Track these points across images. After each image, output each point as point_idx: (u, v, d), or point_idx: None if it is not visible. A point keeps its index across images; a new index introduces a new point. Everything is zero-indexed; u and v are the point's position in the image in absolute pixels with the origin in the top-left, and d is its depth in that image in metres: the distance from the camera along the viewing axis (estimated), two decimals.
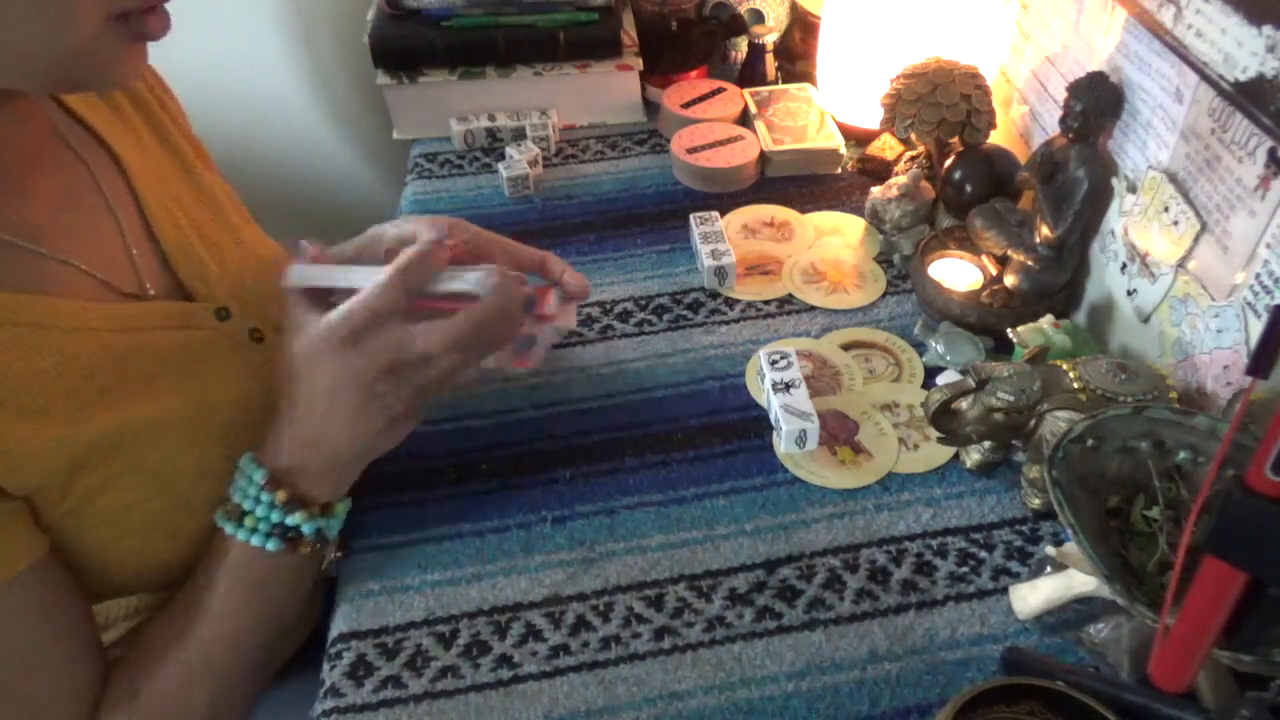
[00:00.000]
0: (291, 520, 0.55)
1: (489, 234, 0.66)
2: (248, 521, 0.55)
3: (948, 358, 0.72)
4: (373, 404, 0.54)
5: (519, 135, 1.01)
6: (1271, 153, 0.54)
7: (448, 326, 0.53)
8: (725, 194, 0.94)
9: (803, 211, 0.91)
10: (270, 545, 0.55)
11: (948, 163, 0.84)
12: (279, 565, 0.57)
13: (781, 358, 0.71)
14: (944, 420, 0.62)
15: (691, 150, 0.95)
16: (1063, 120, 0.70)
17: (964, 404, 0.62)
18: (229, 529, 0.55)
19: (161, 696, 0.55)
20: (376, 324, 0.52)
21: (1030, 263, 0.73)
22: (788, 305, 0.81)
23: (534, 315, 0.64)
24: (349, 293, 0.54)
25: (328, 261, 0.59)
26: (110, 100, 0.65)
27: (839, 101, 0.98)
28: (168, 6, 0.51)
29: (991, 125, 0.82)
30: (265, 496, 0.55)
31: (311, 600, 0.69)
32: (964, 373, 0.62)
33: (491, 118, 1.01)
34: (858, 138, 0.98)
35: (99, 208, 0.60)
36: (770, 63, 1.06)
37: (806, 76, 1.06)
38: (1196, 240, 0.62)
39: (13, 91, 0.51)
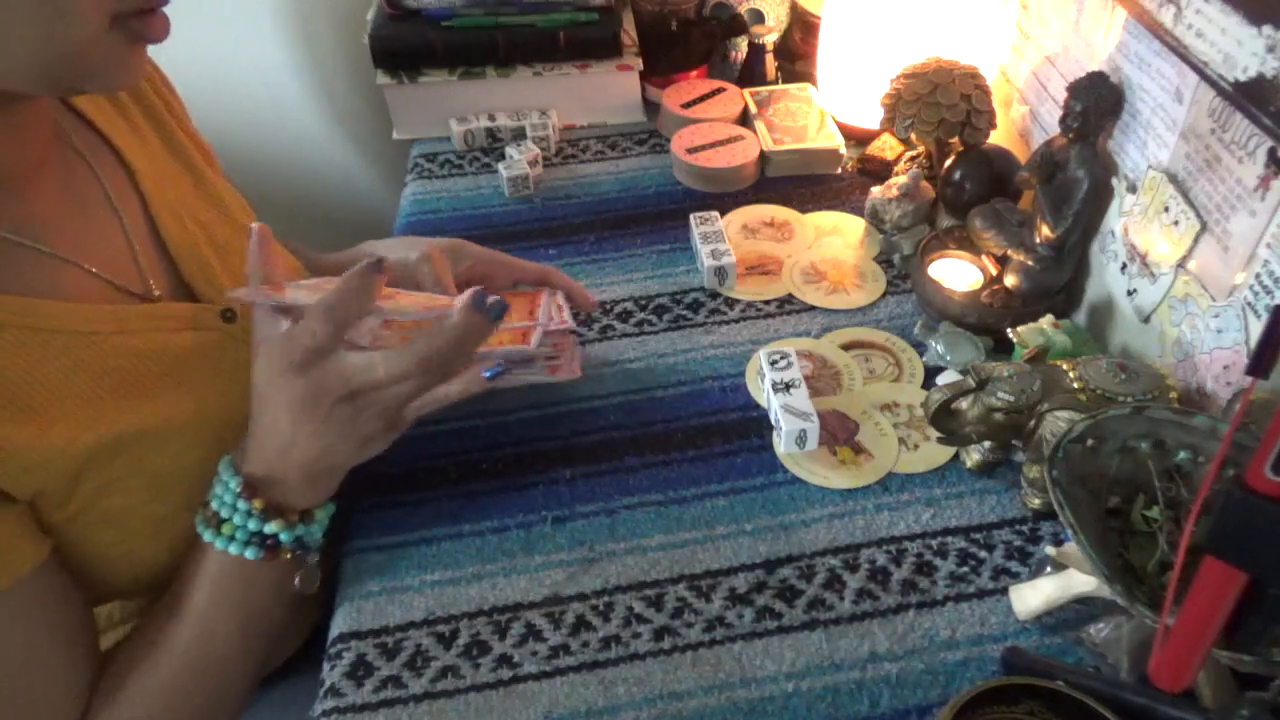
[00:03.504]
0: (269, 529, 0.54)
1: (492, 253, 0.66)
2: (225, 529, 0.54)
3: (948, 358, 0.72)
4: (335, 427, 0.53)
5: (519, 135, 1.01)
6: (1271, 153, 0.54)
7: (399, 357, 0.51)
8: (725, 194, 0.94)
9: (803, 211, 0.91)
10: (249, 553, 0.54)
11: (948, 163, 0.84)
12: (259, 572, 0.56)
13: (781, 358, 0.71)
14: (944, 420, 0.62)
15: (691, 150, 0.95)
16: (1063, 120, 0.70)
17: (964, 404, 0.62)
18: (207, 536, 0.55)
19: (145, 703, 0.54)
20: (320, 356, 0.51)
21: (1030, 263, 0.73)
22: (788, 305, 0.81)
23: (551, 329, 0.65)
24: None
25: (277, 252, 0.57)
26: (115, 101, 0.65)
27: (839, 101, 0.98)
28: (167, 8, 0.51)
29: (991, 125, 0.82)
30: (242, 504, 0.54)
31: (310, 601, 0.69)
32: (964, 373, 0.62)
33: (491, 118, 1.01)
34: (858, 138, 0.98)
35: (103, 208, 0.60)
36: (770, 63, 1.06)
37: (806, 76, 1.06)
38: (1196, 240, 0.62)
39: (18, 92, 0.51)
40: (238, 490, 0.54)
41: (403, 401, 0.54)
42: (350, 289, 0.50)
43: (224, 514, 0.54)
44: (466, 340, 0.52)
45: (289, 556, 0.56)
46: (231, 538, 0.54)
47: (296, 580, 0.58)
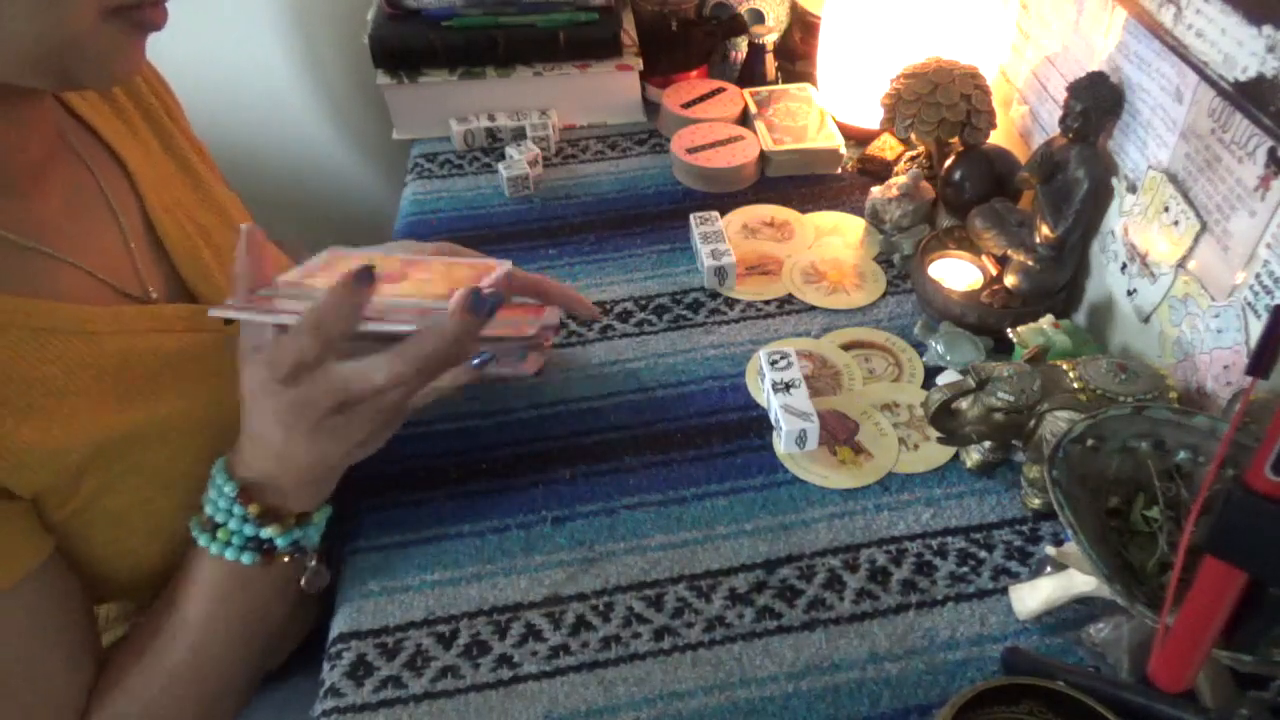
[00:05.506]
0: (265, 533, 0.54)
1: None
2: (221, 534, 0.54)
3: (948, 358, 0.72)
4: (327, 435, 0.52)
5: (519, 135, 1.01)
6: (1271, 153, 0.54)
7: (394, 362, 0.50)
8: (725, 194, 0.94)
9: (803, 211, 0.91)
10: (245, 559, 0.54)
11: (948, 163, 0.84)
12: (255, 577, 0.55)
13: (781, 358, 0.71)
14: (944, 420, 0.62)
15: (691, 150, 0.95)
16: (1063, 120, 0.70)
17: (964, 404, 0.62)
18: (202, 541, 0.54)
19: (142, 706, 0.54)
20: (308, 369, 0.49)
21: (1030, 263, 0.73)
22: (788, 305, 0.81)
23: (530, 341, 0.64)
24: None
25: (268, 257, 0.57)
26: (114, 103, 0.65)
27: (839, 101, 0.98)
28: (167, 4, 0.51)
29: (991, 125, 0.82)
30: (237, 510, 0.53)
31: (310, 601, 0.69)
32: (964, 373, 0.62)
33: (491, 118, 1.01)
34: (858, 138, 0.98)
35: (102, 211, 0.60)
36: (770, 63, 1.07)
37: (806, 76, 1.06)
38: (1196, 240, 0.62)
39: (19, 94, 0.51)
40: (233, 495, 0.53)
41: (397, 403, 0.53)
42: (338, 301, 0.49)
43: (219, 519, 0.54)
44: (462, 341, 0.51)
45: (286, 560, 0.56)
46: (228, 543, 0.54)
47: (303, 581, 0.58)
